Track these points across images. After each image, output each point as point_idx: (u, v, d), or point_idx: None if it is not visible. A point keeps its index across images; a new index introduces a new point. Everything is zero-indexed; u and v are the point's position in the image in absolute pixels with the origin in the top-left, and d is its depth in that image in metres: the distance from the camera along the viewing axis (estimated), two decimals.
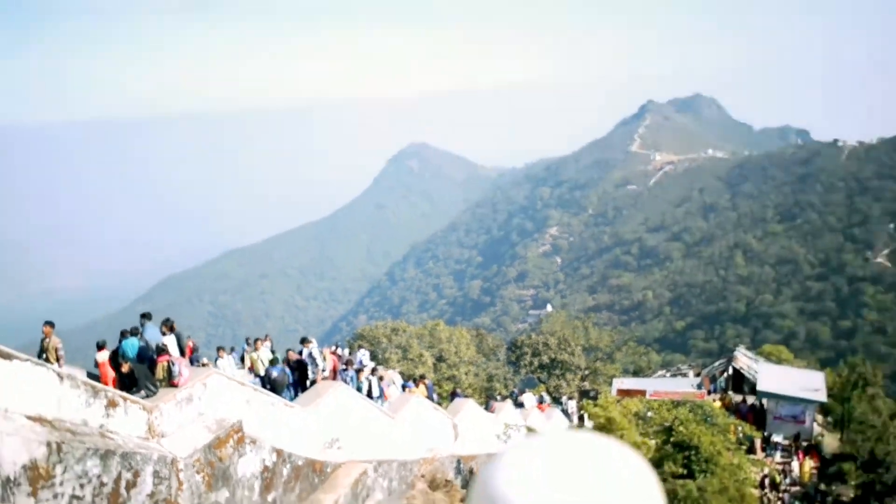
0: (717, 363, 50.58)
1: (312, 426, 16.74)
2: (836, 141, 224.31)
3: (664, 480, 26.94)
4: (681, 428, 29.09)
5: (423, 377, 32.23)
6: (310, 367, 19.03)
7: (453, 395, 32.41)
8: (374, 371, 23.27)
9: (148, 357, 12.85)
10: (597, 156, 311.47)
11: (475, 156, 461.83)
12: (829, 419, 42.70)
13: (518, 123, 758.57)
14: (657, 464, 28.47)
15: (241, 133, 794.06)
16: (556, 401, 42.17)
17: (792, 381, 41.54)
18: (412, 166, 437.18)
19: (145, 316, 14.02)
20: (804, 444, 38.18)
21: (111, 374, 13.48)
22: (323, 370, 19.39)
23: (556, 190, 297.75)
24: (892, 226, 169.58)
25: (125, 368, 12.79)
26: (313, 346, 19.62)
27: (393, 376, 26.02)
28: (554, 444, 1.23)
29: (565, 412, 40.43)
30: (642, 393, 41.98)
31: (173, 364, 12.68)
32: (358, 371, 21.24)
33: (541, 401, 38.79)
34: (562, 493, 1.14)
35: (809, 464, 35.96)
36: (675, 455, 27.98)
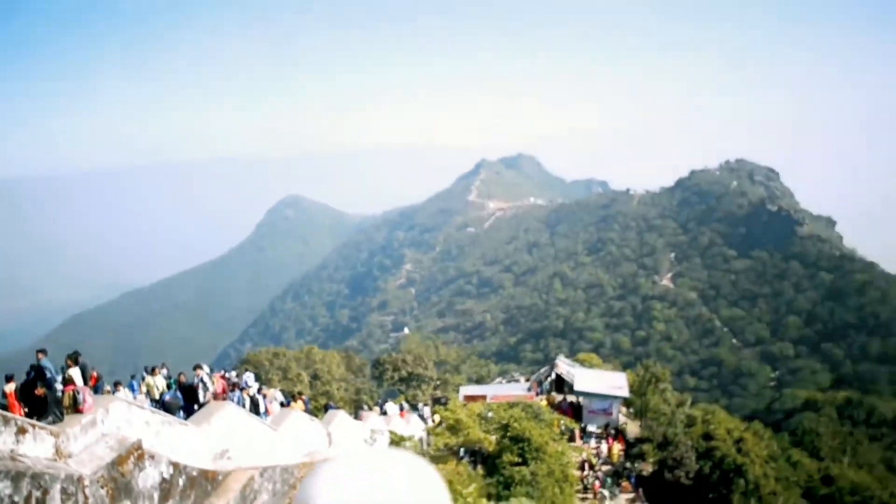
0: (542, 370, 51.31)
1: (205, 441, 16.24)
2: (628, 190, 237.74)
3: (503, 468, 27.65)
4: (515, 424, 29.73)
5: (300, 394, 31.71)
6: (200, 390, 18.43)
7: (326, 407, 31.94)
8: (259, 390, 22.78)
9: (51, 385, 12.20)
10: (442, 204, 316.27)
11: (341, 205, 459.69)
12: (632, 410, 44.41)
13: (378, 178, 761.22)
14: (497, 455, 29.18)
15: (149, 184, 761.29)
16: (414, 407, 42.27)
17: (601, 381, 43.30)
18: (289, 215, 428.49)
19: (41, 351, 13.31)
20: (612, 431, 39.94)
21: (16, 403, 12.66)
22: (212, 392, 18.88)
23: (409, 233, 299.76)
24: (672, 255, 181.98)
25: (39, 392, 12.04)
26: (204, 372, 19.07)
27: (275, 394, 25.46)
28: (360, 458, 1.29)
29: (422, 417, 40.60)
30: (484, 397, 42.48)
31: (78, 392, 12.09)
32: (243, 390, 20.77)
33: (401, 408, 38.86)
34: (359, 497, 1.20)
35: (617, 447, 37.67)
36: (511, 447, 28.63)
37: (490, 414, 35.69)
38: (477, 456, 31.43)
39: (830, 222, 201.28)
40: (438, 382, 56.75)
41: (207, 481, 15.55)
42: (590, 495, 32.70)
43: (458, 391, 48.47)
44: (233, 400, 19.07)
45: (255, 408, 20.63)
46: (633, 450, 37.85)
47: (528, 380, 51.09)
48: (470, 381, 60.40)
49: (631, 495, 33.85)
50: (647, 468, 36.18)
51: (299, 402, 26.32)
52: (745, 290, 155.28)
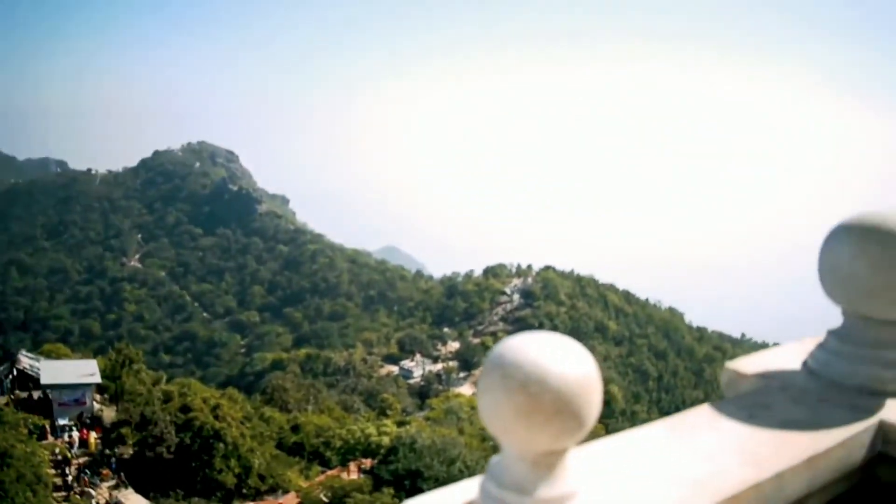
0: (1, 368, 45.27)
1: None
2: (90, 170, 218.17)
3: None
4: None
5: None
6: None
7: None
8: None
9: None
10: None
11: None
12: (107, 396, 41.91)
13: None
14: None
15: None
16: None
17: (70, 371, 39.82)
18: None
19: None
20: (87, 420, 37.39)
21: None
22: None
23: None
24: (139, 236, 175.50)
25: None
26: None
27: None
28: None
29: None
30: None
31: None
32: None
33: None
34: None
35: (94, 435, 35.35)
36: None
37: None
38: None
39: (285, 200, 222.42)
40: None
41: None
42: (65, 493, 30.18)
43: None
44: None
45: None
46: (111, 435, 36.19)
47: None
48: None
49: (112, 482, 32.43)
50: (127, 451, 35.09)
51: None
52: (213, 265, 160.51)
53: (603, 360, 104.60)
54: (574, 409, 1.23)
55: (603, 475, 1.46)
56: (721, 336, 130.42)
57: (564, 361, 1.25)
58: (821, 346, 2.16)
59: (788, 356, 2.26)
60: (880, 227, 1.94)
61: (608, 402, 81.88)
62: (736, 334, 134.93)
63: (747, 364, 2.24)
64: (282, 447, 40.13)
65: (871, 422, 1.86)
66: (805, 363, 2.19)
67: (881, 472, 1.90)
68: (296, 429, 43.42)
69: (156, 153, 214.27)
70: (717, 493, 1.46)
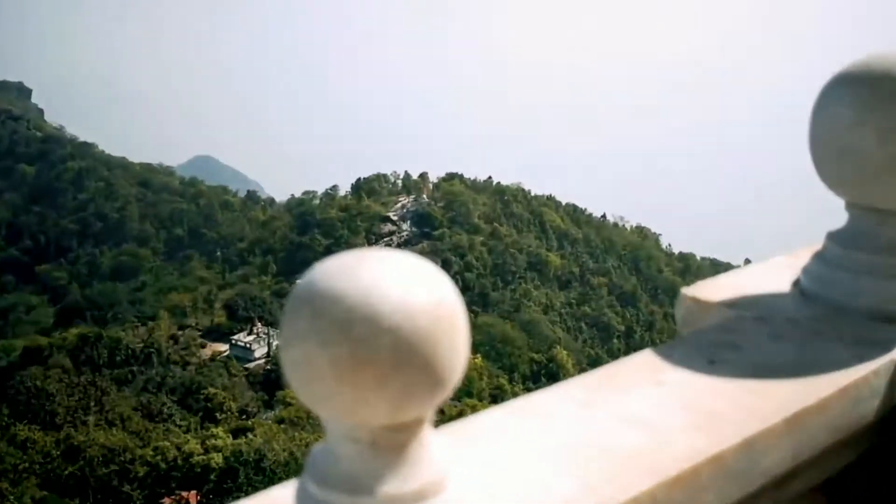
0: None
1: None
2: None
3: None
4: None
5: None
6: None
7: None
8: None
9: None
10: None
11: None
12: None
13: None
14: None
15: None
16: None
17: None
18: None
19: None
20: None
21: None
22: None
23: None
24: None
25: None
26: None
27: None
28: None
29: None
30: None
31: None
32: None
33: None
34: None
35: None
36: None
37: None
38: None
39: (23, 91, 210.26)
40: None
41: None
42: None
43: None
44: None
45: None
46: None
47: None
48: None
49: None
50: None
51: None
52: None
53: (543, 310, 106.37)
54: (424, 358, 1.19)
55: (485, 457, 1.40)
56: (715, 264, 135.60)
57: (407, 288, 1.21)
58: (817, 258, 2.18)
59: (771, 275, 2.30)
60: (891, 76, 1.91)
61: (555, 373, 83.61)
62: (737, 261, 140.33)
63: (712, 288, 2.25)
64: (51, 483, 40.44)
65: (886, 360, 1.84)
66: (796, 282, 2.22)
67: None
68: (72, 454, 43.51)
69: None
70: (654, 472, 1.40)
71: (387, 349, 1.17)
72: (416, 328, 1.18)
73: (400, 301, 1.19)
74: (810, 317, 2.02)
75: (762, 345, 1.89)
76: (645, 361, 1.83)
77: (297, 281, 1.26)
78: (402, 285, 1.20)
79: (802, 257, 2.24)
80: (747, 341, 1.90)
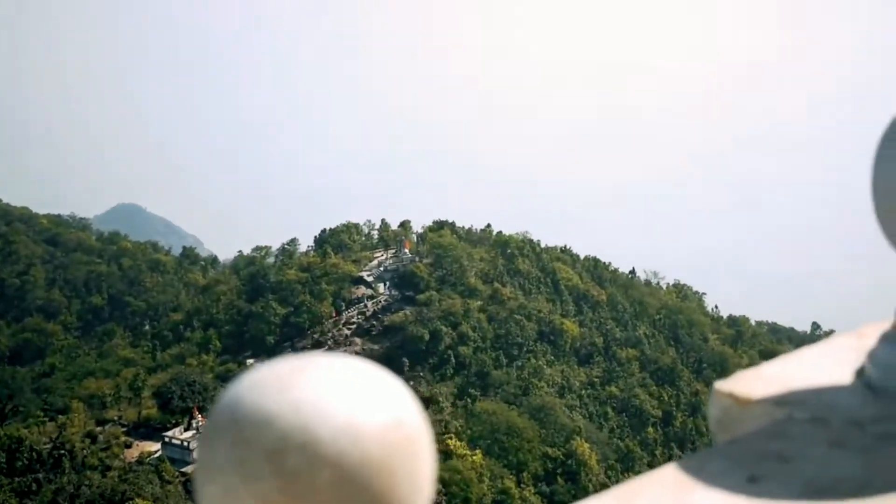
0: None
1: None
2: None
3: None
4: None
5: None
6: None
7: None
8: None
9: None
10: None
11: None
12: None
13: None
14: None
15: None
16: None
17: None
18: None
19: None
20: None
21: None
22: None
23: None
24: None
25: None
26: None
27: None
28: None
29: None
30: None
31: None
32: None
33: None
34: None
35: None
36: None
37: None
38: None
39: None
40: None
41: None
42: None
43: None
44: None
45: None
46: None
47: None
48: None
49: None
50: None
51: None
52: None
53: (558, 392, 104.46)
54: (375, 495, 1.20)
55: None
56: (775, 330, 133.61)
57: (355, 406, 1.21)
58: (886, 340, 2.14)
59: (829, 362, 2.24)
60: None
61: (575, 471, 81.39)
62: (802, 326, 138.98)
63: (754, 381, 2.20)
64: None
65: None
66: (860, 371, 2.17)
67: None
68: None
69: None
70: None
71: (326, 484, 1.16)
72: (364, 458, 1.17)
73: (345, 423, 1.17)
74: (879, 417, 1.93)
75: (818, 455, 1.82)
76: (670, 478, 1.74)
77: (217, 398, 1.21)
78: (349, 403, 1.19)
79: (869, 336, 2.14)
80: (799, 451, 1.83)
